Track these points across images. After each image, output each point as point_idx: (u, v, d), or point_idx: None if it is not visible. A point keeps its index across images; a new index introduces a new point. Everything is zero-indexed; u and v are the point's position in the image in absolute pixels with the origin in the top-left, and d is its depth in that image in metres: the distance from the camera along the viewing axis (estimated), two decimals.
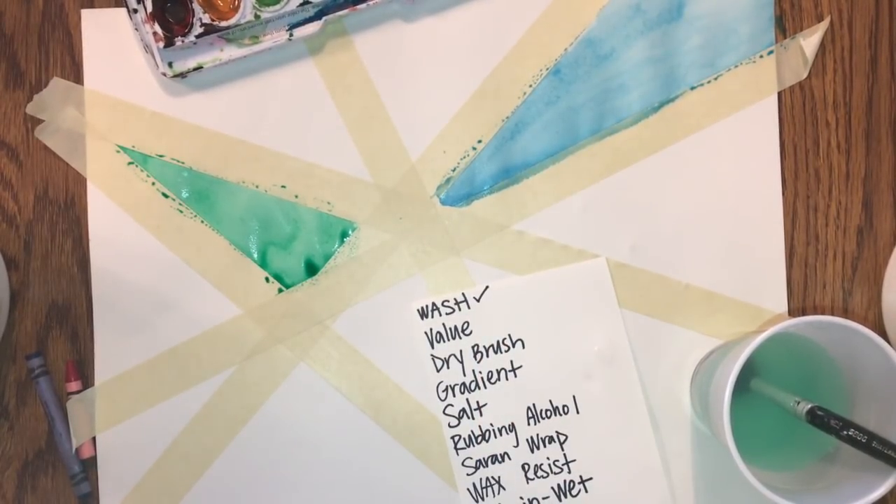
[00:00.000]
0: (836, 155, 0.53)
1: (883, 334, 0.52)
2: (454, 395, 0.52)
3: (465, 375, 0.52)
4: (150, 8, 0.50)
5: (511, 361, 0.52)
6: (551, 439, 0.52)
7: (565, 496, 0.52)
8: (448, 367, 0.52)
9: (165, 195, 0.53)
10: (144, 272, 0.52)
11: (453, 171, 0.53)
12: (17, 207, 0.53)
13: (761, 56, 0.53)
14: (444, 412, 0.52)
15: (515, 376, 0.52)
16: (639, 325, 0.52)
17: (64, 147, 0.52)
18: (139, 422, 0.52)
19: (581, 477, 0.52)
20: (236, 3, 0.51)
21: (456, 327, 0.52)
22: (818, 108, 0.53)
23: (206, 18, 0.50)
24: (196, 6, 0.50)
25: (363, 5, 0.51)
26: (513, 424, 0.52)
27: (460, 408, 0.52)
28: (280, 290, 0.53)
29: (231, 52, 0.52)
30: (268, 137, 0.53)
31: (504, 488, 0.52)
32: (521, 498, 0.52)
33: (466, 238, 0.53)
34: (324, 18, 0.51)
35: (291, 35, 0.51)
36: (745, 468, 0.43)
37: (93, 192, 0.52)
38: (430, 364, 0.52)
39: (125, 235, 0.52)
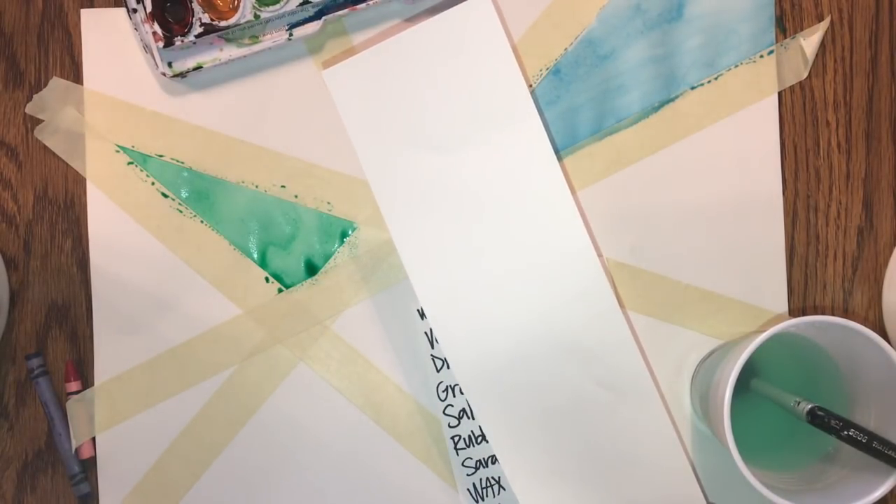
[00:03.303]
0: (836, 155, 0.53)
1: (883, 334, 0.52)
2: (454, 396, 0.52)
3: None
4: (149, 8, 0.50)
5: None
6: None
7: None
8: (448, 368, 0.52)
9: (165, 195, 0.53)
10: (144, 272, 0.52)
11: None
12: (16, 207, 0.53)
13: (761, 56, 0.53)
14: (444, 412, 0.52)
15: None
16: (639, 325, 0.52)
17: (63, 147, 0.52)
18: (139, 422, 0.52)
19: None
20: (236, 2, 0.51)
21: None
22: (818, 107, 0.53)
23: (206, 18, 0.50)
24: (196, 6, 0.50)
25: (363, 5, 0.51)
26: None
27: (460, 408, 0.52)
28: (280, 290, 0.53)
29: (231, 51, 0.52)
30: (268, 137, 0.53)
31: (504, 488, 0.52)
32: None
33: None
34: (323, 18, 0.51)
35: (291, 35, 0.51)
36: (745, 468, 0.43)
37: (92, 192, 0.52)
38: (430, 364, 0.52)
39: (125, 235, 0.52)
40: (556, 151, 0.52)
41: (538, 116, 0.50)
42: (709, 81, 0.53)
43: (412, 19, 0.53)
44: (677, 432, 0.51)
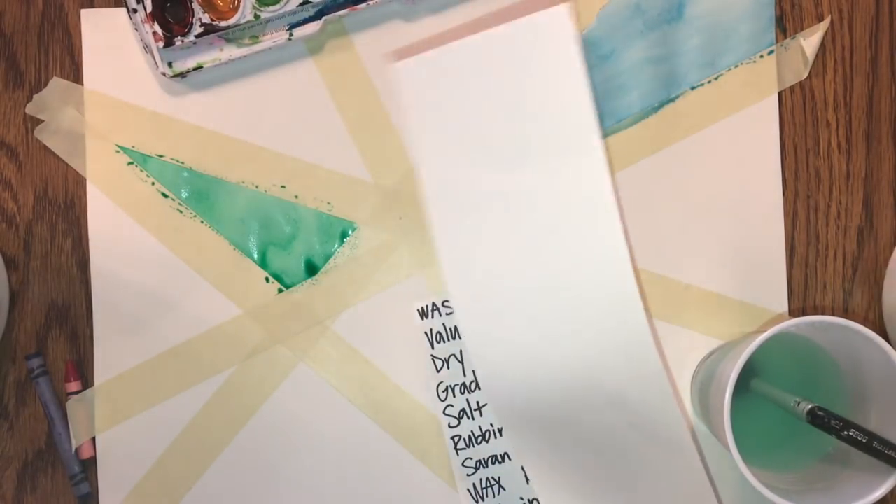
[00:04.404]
0: (836, 155, 0.53)
1: (883, 334, 0.52)
2: (454, 396, 0.52)
3: (465, 375, 0.52)
4: (149, 8, 0.50)
5: None
6: None
7: None
8: (448, 368, 0.52)
9: (165, 195, 0.53)
10: (144, 272, 0.52)
11: None
12: (16, 207, 0.53)
13: (762, 56, 0.53)
14: (444, 412, 0.52)
15: None
16: None
17: (63, 147, 0.52)
18: (139, 422, 0.52)
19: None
20: (236, 2, 0.51)
21: (456, 327, 0.52)
22: (818, 108, 0.53)
23: (206, 18, 0.50)
24: (196, 6, 0.50)
25: (363, 5, 0.51)
26: None
27: (460, 408, 0.52)
28: (280, 291, 0.53)
29: (231, 51, 0.52)
30: (268, 137, 0.53)
31: (504, 488, 0.52)
32: (522, 498, 0.52)
33: None
34: (324, 18, 0.51)
35: (291, 35, 0.51)
36: (745, 468, 0.43)
37: (92, 192, 0.52)
38: (430, 364, 0.52)
39: (125, 235, 0.52)
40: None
41: (602, 149, 0.46)
42: (709, 81, 0.53)
43: (412, 20, 0.53)
44: (714, 488, 0.51)
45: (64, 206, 0.53)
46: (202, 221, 0.53)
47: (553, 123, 0.46)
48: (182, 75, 0.52)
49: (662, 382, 0.51)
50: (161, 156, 0.53)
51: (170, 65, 0.51)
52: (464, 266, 0.50)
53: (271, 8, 0.51)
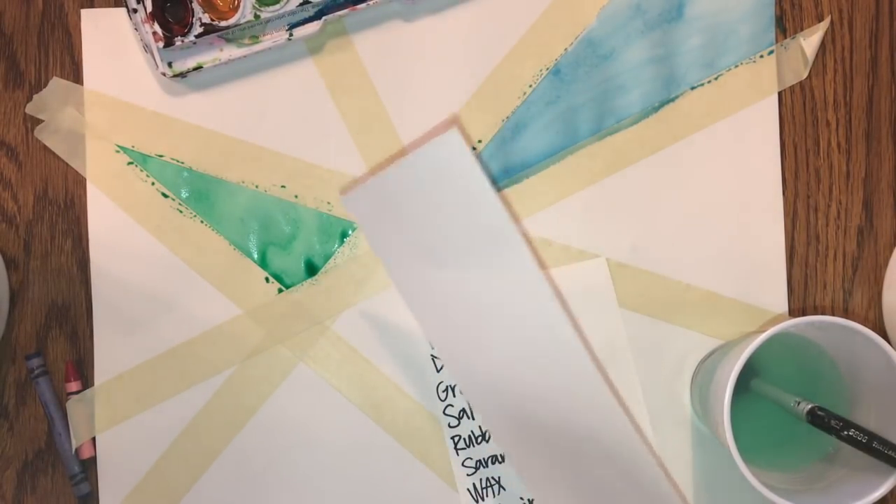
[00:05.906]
0: (836, 155, 0.53)
1: (883, 334, 0.52)
2: (454, 396, 0.52)
3: None
4: (149, 8, 0.50)
5: None
6: None
7: None
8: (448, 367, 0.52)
9: (165, 195, 0.53)
10: (144, 272, 0.52)
11: None
12: (16, 207, 0.53)
13: (761, 56, 0.53)
14: (444, 412, 0.52)
15: None
16: (639, 325, 0.52)
17: (63, 147, 0.52)
18: (139, 422, 0.52)
19: None
20: (236, 2, 0.51)
21: None
22: (818, 108, 0.53)
23: (206, 18, 0.50)
24: (196, 6, 0.50)
25: (363, 5, 0.51)
26: None
27: (460, 408, 0.52)
28: (280, 290, 0.53)
29: (231, 51, 0.52)
30: (268, 137, 0.53)
31: (504, 488, 0.52)
32: (522, 498, 0.52)
33: None
34: (324, 18, 0.51)
35: (291, 35, 0.51)
36: (745, 468, 0.43)
37: (92, 192, 0.52)
38: (430, 364, 0.52)
39: (125, 235, 0.52)
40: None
41: (522, 240, 0.50)
42: (709, 81, 0.53)
43: (412, 19, 0.53)
44: (676, 489, 0.51)
45: (64, 206, 0.53)
46: (202, 221, 0.53)
47: (472, 223, 0.50)
48: (182, 75, 0.52)
49: (626, 428, 0.50)
50: (161, 156, 0.53)
51: (170, 65, 0.51)
52: (436, 328, 0.52)
53: (271, 8, 0.51)
